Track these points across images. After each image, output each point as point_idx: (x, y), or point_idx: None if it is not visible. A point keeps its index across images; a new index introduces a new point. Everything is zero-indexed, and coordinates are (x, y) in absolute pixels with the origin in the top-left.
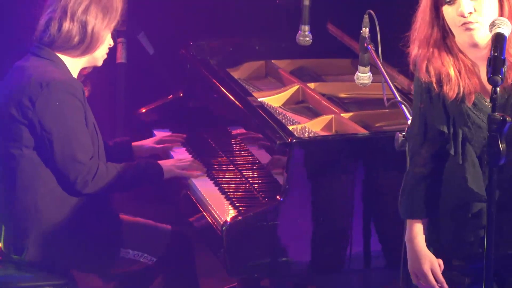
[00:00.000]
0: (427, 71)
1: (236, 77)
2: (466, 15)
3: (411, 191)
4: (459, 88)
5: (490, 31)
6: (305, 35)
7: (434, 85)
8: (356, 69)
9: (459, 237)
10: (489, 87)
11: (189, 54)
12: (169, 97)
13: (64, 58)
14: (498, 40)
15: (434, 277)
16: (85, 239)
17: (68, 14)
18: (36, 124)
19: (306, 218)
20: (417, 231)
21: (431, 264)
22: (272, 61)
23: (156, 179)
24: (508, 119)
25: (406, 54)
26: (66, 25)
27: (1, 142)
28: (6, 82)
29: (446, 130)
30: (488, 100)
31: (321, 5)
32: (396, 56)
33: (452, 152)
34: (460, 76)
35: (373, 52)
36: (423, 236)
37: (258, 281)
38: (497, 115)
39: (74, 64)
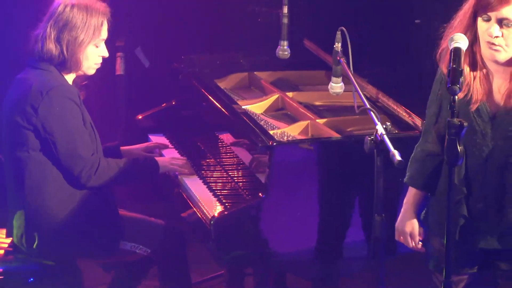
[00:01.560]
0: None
1: (222, 87)
2: (493, 37)
3: (415, 162)
4: (468, 91)
5: (449, 46)
6: (284, 49)
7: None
8: (329, 80)
9: (442, 220)
10: (496, 98)
11: (181, 67)
12: (163, 105)
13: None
14: (456, 53)
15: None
16: (89, 232)
17: (48, 32)
18: (40, 128)
19: (286, 213)
20: (412, 197)
21: (412, 228)
22: (255, 72)
23: (153, 173)
24: (465, 124)
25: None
26: (46, 43)
27: (9, 147)
28: (10, 94)
29: None
30: (489, 110)
31: (298, 23)
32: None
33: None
34: (473, 80)
35: (345, 64)
36: (416, 203)
37: (242, 269)
38: (456, 120)
39: (67, 76)
